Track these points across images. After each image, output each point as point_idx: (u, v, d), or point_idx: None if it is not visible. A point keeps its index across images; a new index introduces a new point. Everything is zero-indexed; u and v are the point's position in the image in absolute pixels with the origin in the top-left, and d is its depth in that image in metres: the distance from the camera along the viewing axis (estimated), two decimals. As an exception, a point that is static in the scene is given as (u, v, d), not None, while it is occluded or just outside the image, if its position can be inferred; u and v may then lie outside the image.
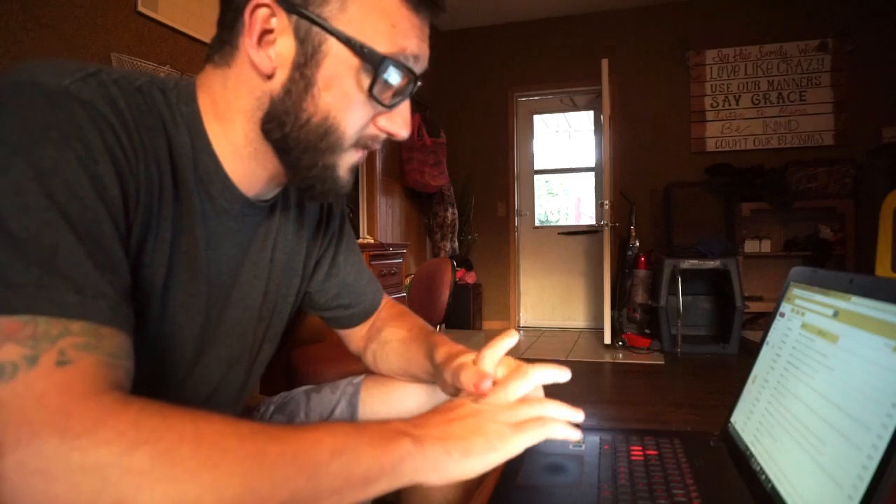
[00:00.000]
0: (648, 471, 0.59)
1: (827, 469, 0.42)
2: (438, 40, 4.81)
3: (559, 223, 5.13)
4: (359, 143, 0.56)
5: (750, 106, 4.21)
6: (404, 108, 0.56)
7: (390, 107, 0.54)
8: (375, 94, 0.52)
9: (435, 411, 0.50)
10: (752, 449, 0.57)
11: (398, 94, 0.54)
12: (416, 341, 0.74)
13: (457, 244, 4.54)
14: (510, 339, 0.59)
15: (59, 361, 0.37)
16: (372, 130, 0.56)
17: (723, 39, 4.25)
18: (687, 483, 0.55)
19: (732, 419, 0.66)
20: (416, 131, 4.03)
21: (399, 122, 0.56)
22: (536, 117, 5.00)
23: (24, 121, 0.41)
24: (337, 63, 0.51)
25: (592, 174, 4.90)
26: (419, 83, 0.56)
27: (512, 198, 4.81)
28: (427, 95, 4.45)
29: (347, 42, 0.50)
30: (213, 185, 0.56)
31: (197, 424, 0.38)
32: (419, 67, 0.55)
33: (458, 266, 4.37)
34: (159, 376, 0.56)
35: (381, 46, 0.50)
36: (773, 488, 0.49)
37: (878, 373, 0.41)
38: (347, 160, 0.56)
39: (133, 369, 0.43)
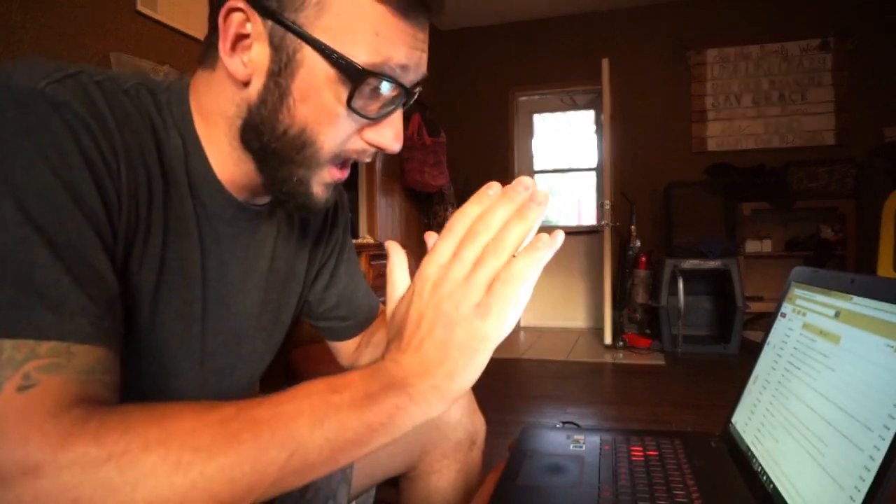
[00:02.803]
0: (649, 471, 0.58)
1: (828, 470, 0.42)
2: (438, 40, 4.81)
3: (559, 223, 5.12)
4: (342, 157, 0.53)
5: (751, 105, 4.21)
6: (395, 119, 0.52)
7: (377, 119, 0.51)
8: (356, 107, 0.48)
9: (405, 326, 0.42)
10: (754, 450, 0.57)
11: (386, 105, 0.51)
12: None
13: (457, 244, 4.53)
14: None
15: (20, 387, 0.35)
16: (359, 144, 0.52)
17: (724, 39, 4.25)
18: (688, 484, 0.55)
19: (733, 420, 0.66)
20: (416, 131, 4.03)
21: (388, 136, 0.52)
22: (536, 117, 5.00)
23: None
24: (312, 73, 0.48)
25: (592, 174, 4.90)
26: (415, 93, 0.52)
27: (512, 198, 4.79)
28: (427, 95, 4.44)
29: (323, 51, 0.46)
30: (203, 188, 0.55)
31: (163, 426, 0.36)
32: (410, 77, 0.51)
33: (458, 266, 4.37)
34: (161, 389, 0.55)
35: (361, 57, 0.46)
36: (775, 489, 0.49)
37: (880, 373, 0.40)
38: (322, 177, 0.53)
39: (117, 382, 0.41)
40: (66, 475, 0.33)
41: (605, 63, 3.88)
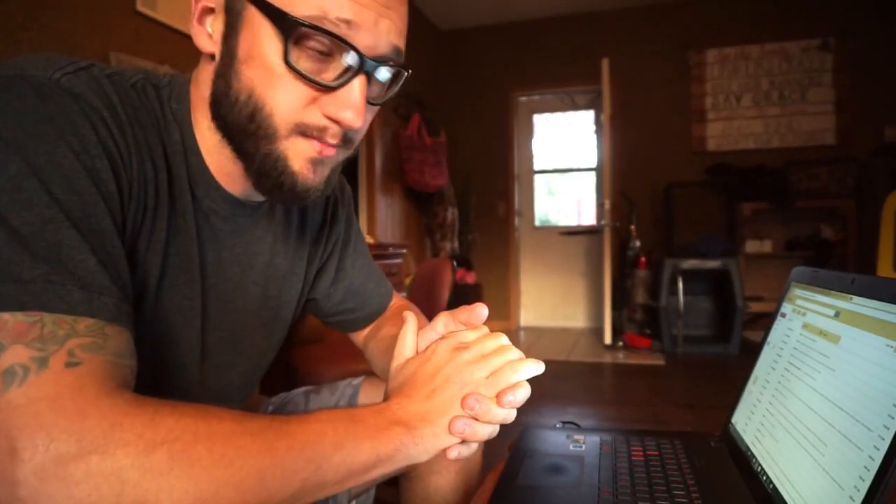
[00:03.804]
0: (649, 471, 0.58)
1: (828, 470, 0.42)
2: (438, 40, 4.81)
3: (559, 223, 5.12)
4: (303, 131, 0.49)
5: (751, 105, 4.21)
6: (352, 89, 0.47)
7: (331, 87, 0.47)
8: (295, 65, 0.46)
9: (415, 379, 0.51)
10: (754, 450, 0.57)
11: (343, 73, 0.47)
12: None
13: (457, 244, 4.54)
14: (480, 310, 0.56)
15: (68, 363, 0.37)
16: (319, 118, 0.48)
17: (724, 39, 4.25)
18: (688, 484, 0.55)
19: (733, 420, 0.66)
20: (416, 131, 4.03)
21: (344, 108, 0.47)
22: (536, 117, 5.00)
23: (17, 115, 0.41)
24: (253, 31, 0.46)
25: (592, 174, 4.90)
26: (380, 65, 0.49)
27: (512, 198, 4.80)
28: (427, 95, 4.45)
29: (260, 4, 0.45)
30: (199, 184, 0.55)
31: (209, 423, 0.39)
32: (365, 40, 0.47)
33: (458, 266, 4.37)
34: (158, 382, 0.55)
35: (297, 9, 0.45)
36: (775, 489, 0.49)
37: (880, 373, 0.40)
38: (297, 151, 0.49)
39: (136, 368, 0.43)
40: (120, 454, 0.35)
41: (605, 63, 3.88)
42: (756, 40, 4.19)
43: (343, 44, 0.46)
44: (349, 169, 4.14)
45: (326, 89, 0.47)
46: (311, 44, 0.46)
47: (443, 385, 0.49)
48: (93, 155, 0.43)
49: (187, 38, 2.34)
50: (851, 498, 0.38)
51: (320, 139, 0.49)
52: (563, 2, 4.40)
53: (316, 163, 0.50)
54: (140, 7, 2.03)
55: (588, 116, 4.91)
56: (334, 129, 0.49)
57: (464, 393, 0.49)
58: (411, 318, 0.57)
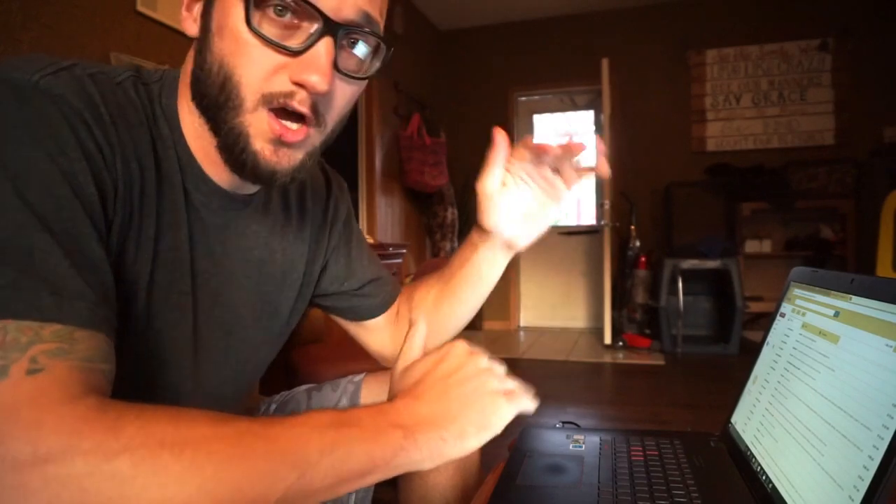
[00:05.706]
0: (649, 471, 0.58)
1: (828, 470, 0.42)
2: (438, 40, 4.81)
3: (559, 223, 5.12)
4: (271, 100, 0.48)
5: (750, 105, 4.21)
6: (318, 52, 0.47)
7: (297, 52, 0.47)
8: (258, 28, 0.45)
9: (426, 379, 0.48)
10: (753, 449, 0.57)
11: (310, 37, 0.47)
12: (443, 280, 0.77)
13: (457, 244, 4.54)
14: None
15: (29, 370, 0.35)
16: (286, 85, 0.48)
17: (723, 39, 4.25)
18: (687, 484, 0.55)
19: (733, 420, 0.66)
20: (416, 131, 4.03)
21: (307, 69, 0.46)
22: (536, 117, 5.00)
23: None
24: (224, 2, 0.47)
25: (592, 174, 4.89)
26: (364, 35, 0.49)
27: (512, 198, 4.79)
28: (427, 95, 4.45)
29: None
30: (188, 178, 0.54)
31: (178, 428, 0.37)
32: (328, 2, 0.46)
33: (458, 266, 4.36)
34: (156, 381, 0.55)
35: None
36: (774, 489, 0.49)
37: (879, 373, 0.40)
38: (259, 129, 0.49)
39: (113, 371, 0.41)
40: (79, 462, 0.33)
41: (604, 63, 3.88)
42: (755, 40, 4.19)
43: (303, 3, 0.45)
44: (349, 169, 4.07)
45: (293, 54, 0.47)
46: (272, 6, 0.46)
47: (457, 387, 0.46)
48: (71, 158, 0.42)
49: (187, 38, 2.33)
50: (851, 497, 0.38)
51: (286, 107, 0.48)
52: (563, 2, 4.40)
53: (278, 145, 0.50)
54: (140, 7, 2.03)
55: (588, 116, 4.91)
56: (301, 94, 0.48)
57: (477, 398, 0.46)
58: (422, 322, 0.57)
